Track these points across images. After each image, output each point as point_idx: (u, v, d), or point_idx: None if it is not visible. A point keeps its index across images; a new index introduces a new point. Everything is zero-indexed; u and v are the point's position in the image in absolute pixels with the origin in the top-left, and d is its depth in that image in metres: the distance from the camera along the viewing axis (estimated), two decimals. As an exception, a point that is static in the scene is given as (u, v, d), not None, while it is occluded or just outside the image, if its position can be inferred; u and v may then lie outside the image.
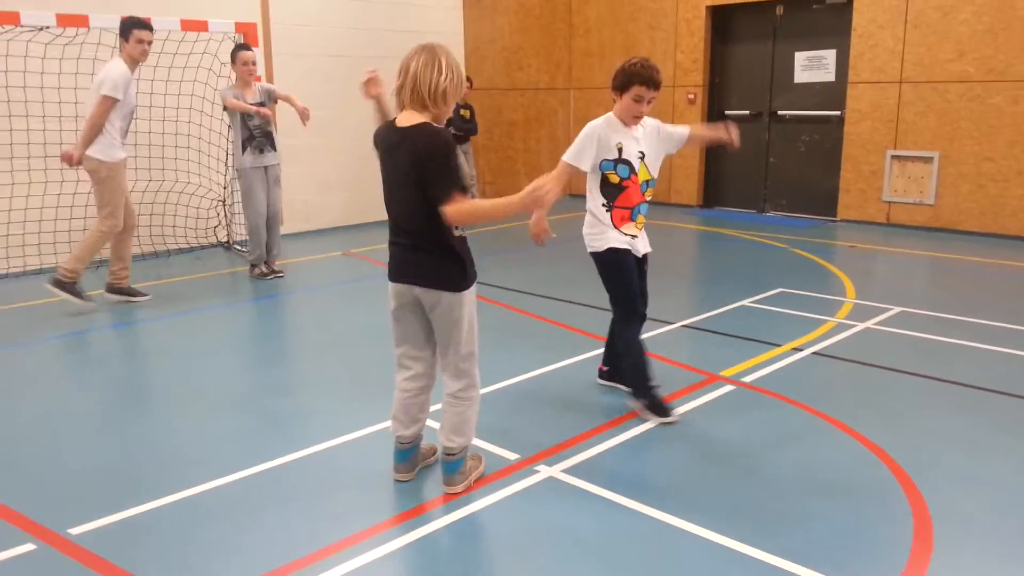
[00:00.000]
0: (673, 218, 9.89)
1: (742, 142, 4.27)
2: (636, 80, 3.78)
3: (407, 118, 3.00)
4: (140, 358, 5.27)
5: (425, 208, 2.95)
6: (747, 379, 4.45)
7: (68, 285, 5.83)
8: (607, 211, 3.98)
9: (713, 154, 10.43)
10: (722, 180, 10.59)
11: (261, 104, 6.65)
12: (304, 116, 6.63)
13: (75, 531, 2.97)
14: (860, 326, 5.40)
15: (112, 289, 6.18)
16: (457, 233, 3.06)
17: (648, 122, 4.03)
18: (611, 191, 3.96)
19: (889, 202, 8.96)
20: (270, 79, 8.21)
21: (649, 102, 3.82)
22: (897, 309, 5.75)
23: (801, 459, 3.54)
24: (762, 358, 4.78)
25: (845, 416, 3.95)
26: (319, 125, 8.89)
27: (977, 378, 4.43)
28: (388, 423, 3.38)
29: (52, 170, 7.04)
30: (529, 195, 2.81)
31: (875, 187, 9.04)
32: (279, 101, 6.86)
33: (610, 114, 3.94)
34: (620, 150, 3.91)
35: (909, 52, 8.56)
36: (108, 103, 5.73)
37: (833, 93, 9.35)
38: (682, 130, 4.15)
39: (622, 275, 4.00)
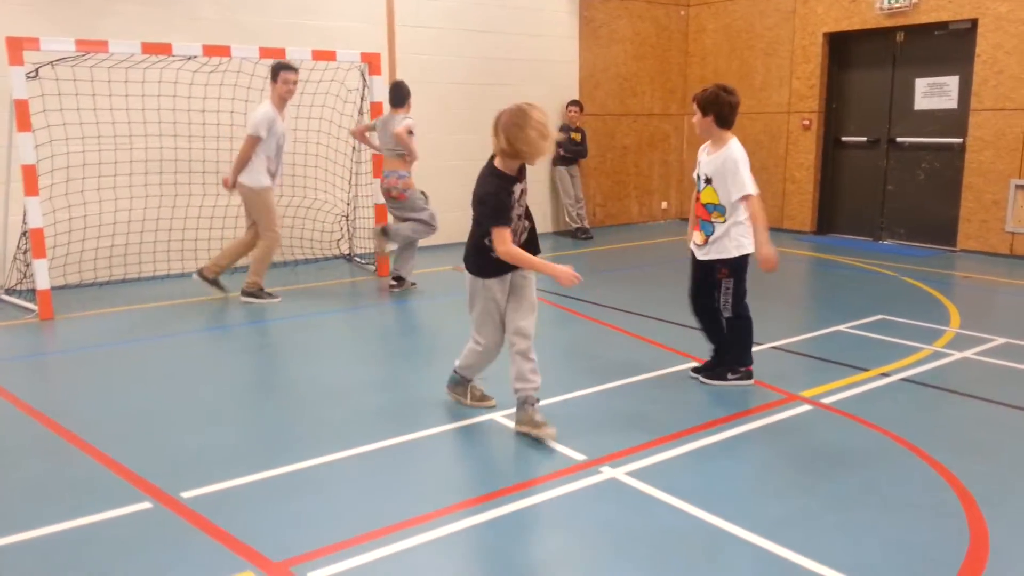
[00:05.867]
0: (784, 244, 9.79)
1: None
2: None
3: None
4: (262, 352, 5.79)
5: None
6: (826, 400, 4.47)
7: (256, 292, 6.93)
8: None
9: (828, 180, 10.28)
10: (837, 207, 10.40)
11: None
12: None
13: (187, 494, 3.39)
14: (957, 355, 5.28)
15: (202, 274, 6.97)
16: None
17: (727, 154, 4.35)
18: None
19: (1013, 233, 8.59)
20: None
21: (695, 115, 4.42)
22: (1001, 340, 5.58)
23: (864, 477, 3.57)
24: (846, 381, 4.78)
25: (920, 440, 3.93)
26: (438, 148, 9.39)
27: (1072, 412, 4.30)
28: (464, 422, 4.01)
29: (199, 184, 7.82)
30: (558, 271, 3.77)
31: (997, 217, 8.69)
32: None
33: None
34: (698, 165, 4.51)
35: (1038, 78, 8.23)
36: (252, 141, 6.65)
37: (954, 120, 9.07)
38: (736, 191, 4.34)
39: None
